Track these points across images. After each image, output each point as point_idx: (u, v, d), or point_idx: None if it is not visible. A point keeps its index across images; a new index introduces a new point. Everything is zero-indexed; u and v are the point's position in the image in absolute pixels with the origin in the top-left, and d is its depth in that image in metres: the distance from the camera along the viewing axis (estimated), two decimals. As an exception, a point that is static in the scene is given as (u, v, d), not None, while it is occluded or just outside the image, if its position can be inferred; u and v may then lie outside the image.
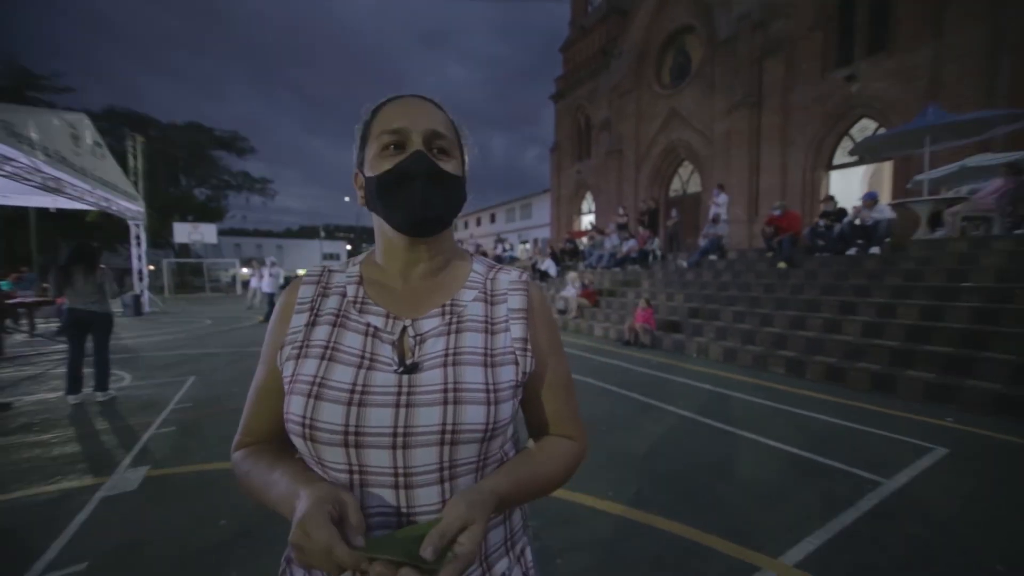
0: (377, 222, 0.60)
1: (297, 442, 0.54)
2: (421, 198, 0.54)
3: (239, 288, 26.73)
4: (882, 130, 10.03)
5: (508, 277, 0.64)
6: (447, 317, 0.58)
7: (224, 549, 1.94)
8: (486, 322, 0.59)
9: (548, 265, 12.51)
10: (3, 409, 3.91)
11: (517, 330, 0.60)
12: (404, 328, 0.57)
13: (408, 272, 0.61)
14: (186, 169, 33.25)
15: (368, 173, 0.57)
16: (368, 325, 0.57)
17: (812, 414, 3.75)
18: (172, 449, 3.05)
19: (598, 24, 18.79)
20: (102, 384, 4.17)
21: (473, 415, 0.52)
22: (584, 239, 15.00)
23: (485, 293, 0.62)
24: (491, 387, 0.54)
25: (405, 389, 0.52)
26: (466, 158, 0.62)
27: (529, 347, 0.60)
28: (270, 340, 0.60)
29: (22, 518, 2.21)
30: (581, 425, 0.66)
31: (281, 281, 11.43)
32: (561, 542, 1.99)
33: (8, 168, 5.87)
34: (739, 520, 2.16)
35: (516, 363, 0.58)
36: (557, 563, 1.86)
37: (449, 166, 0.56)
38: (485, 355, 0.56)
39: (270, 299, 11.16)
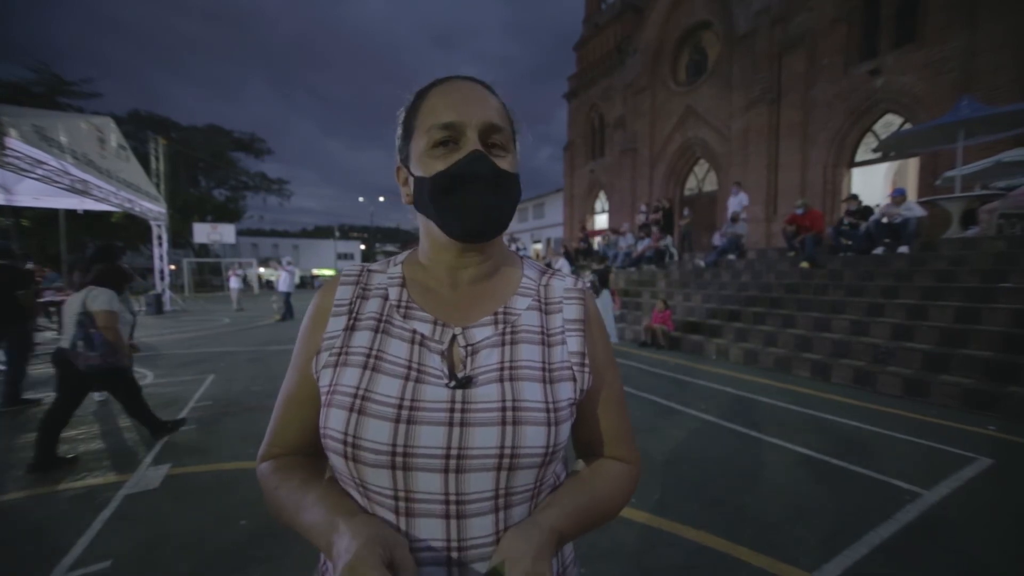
0: (424, 223, 0.55)
1: (336, 461, 0.49)
2: (482, 205, 0.48)
3: (256, 287, 27.27)
4: (908, 125, 9.67)
5: (563, 284, 0.59)
6: (500, 326, 0.53)
7: (244, 550, 1.94)
8: (542, 333, 0.54)
9: (562, 264, 12.40)
10: (33, 405, 4.02)
11: (574, 343, 0.55)
12: (454, 337, 0.52)
13: (456, 276, 0.56)
14: (206, 170, 34.08)
15: (417, 172, 0.51)
16: (414, 332, 0.52)
17: (841, 419, 3.60)
18: (192, 447, 3.06)
19: (612, 21, 18.59)
20: (126, 381, 4.25)
21: (533, 437, 0.47)
22: (597, 239, 14.86)
23: (539, 301, 0.57)
24: (551, 406, 0.49)
25: (458, 405, 0.47)
26: (518, 147, 0.56)
27: (587, 362, 0.55)
28: (303, 345, 0.55)
29: (52, 513, 2.25)
30: (635, 445, 0.61)
31: (296, 280, 11.59)
32: (584, 551, 1.93)
33: (40, 171, 6.05)
34: (769, 530, 2.07)
35: (574, 379, 0.53)
36: (582, 572, 1.80)
37: (506, 163, 0.50)
38: (543, 370, 0.51)
39: (286, 298, 11.33)
